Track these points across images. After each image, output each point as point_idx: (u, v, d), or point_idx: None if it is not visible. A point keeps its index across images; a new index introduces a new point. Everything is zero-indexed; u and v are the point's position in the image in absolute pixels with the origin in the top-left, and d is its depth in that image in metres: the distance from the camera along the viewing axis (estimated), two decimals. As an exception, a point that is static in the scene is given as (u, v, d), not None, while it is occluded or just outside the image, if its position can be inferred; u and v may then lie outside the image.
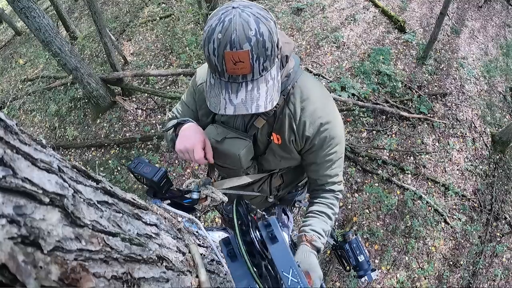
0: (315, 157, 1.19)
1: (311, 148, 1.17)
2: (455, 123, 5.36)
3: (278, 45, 0.94)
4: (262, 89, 0.93)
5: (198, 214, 4.18)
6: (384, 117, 5.21)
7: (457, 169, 4.97)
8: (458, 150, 5.12)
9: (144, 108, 5.59)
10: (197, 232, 1.01)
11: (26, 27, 4.74)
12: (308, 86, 1.13)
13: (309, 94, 1.11)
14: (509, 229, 4.66)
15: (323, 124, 1.11)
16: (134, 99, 5.76)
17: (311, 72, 5.63)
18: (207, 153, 1.10)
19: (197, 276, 0.74)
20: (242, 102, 0.92)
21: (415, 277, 4.06)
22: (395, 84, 5.50)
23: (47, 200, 0.35)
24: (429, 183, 4.75)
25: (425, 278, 4.06)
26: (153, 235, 0.62)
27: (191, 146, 1.06)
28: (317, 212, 1.24)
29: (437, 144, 5.11)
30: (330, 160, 1.19)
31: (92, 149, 5.33)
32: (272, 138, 1.17)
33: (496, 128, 5.50)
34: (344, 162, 1.29)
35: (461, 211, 4.62)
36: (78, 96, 6.06)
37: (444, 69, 5.98)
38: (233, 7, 0.88)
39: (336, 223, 4.27)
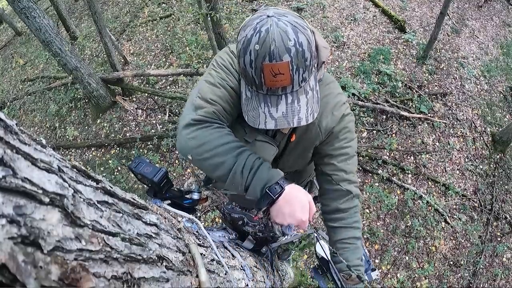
0: (331, 148, 1.13)
1: (329, 137, 1.12)
2: (455, 123, 5.36)
3: (316, 54, 0.91)
4: (302, 100, 0.90)
5: (199, 214, 4.18)
6: (384, 116, 5.21)
7: (458, 169, 4.96)
8: (459, 150, 5.12)
9: (144, 108, 5.60)
10: (197, 232, 1.01)
11: (27, 27, 4.74)
12: (327, 81, 1.12)
13: (330, 89, 1.10)
14: (509, 228, 4.66)
15: (345, 116, 1.10)
16: (134, 99, 5.76)
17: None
18: (310, 216, 0.97)
19: (197, 276, 0.74)
20: (283, 116, 0.88)
21: (415, 277, 4.06)
22: (395, 83, 5.50)
23: (47, 200, 0.35)
24: (430, 183, 4.75)
25: (426, 278, 4.06)
26: (153, 235, 0.62)
27: (306, 221, 0.94)
28: (345, 241, 1.14)
29: (437, 143, 5.11)
30: (346, 153, 1.13)
31: (93, 149, 5.34)
32: (291, 139, 1.14)
33: (497, 128, 5.50)
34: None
35: (462, 211, 4.62)
36: (79, 96, 6.06)
37: (444, 68, 5.98)
38: (268, 16, 0.83)
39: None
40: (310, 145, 1.14)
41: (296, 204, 0.92)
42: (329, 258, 1.07)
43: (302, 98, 0.90)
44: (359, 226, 1.18)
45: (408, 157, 4.94)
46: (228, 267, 1.03)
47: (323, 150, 1.15)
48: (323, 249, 1.10)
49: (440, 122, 5.25)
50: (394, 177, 4.66)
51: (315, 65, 0.93)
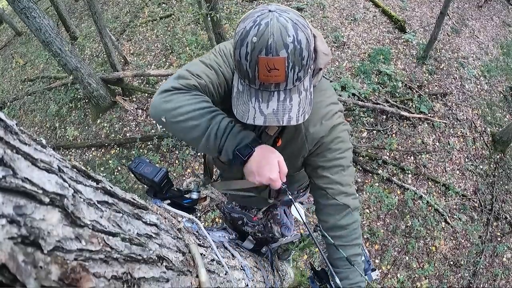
0: (323, 159, 1.07)
1: (319, 148, 1.07)
2: (455, 123, 5.36)
3: (314, 55, 0.90)
4: (295, 100, 0.88)
5: (199, 214, 4.19)
6: (384, 117, 5.21)
7: (458, 169, 4.96)
8: (459, 150, 5.12)
9: (145, 108, 5.59)
10: (197, 232, 1.01)
11: (27, 27, 4.74)
12: (321, 87, 1.08)
13: (323, 96, 1.07)
14: (509, 228, 4.66)
15: (336, 126, 1.05)
16: (135, 99, 5.76)
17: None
18: (281, 175, 0.97)
19: (197, 276, 0.74)
20: (273, 113, 0.87)
21: (415, 277, 4.06)
22: (395, 83, 5.50)
23: (47, 200, 0.35)
24: (430, 183, 4.75)
25: (426, 278, 4.06)
26: (153, 235, 0.62)
27: (276, 179, 0.94)
28: (347, 260, 1.08)
29: (437, 143, 5.11)
30: (340, 165, 1.06)
31: (93, 149, 5.34)
32: (277, 143, 1.11)
33: (497, 128, 5.50)
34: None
35: (462, 211, 4.62)
36: (79, 96, 6.06)
37: (445, 68, 5.98)
38: (270, 11, 0.83)
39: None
40: (296, 153, 1.10)
41: (263, 163, 0.93)
42: (305, 222, 1.03)
43: (295, 97, 0.88)
44: (359, 242, 1.14)
45: (408, 157, 4.94)
46: (228, 267, 1.03)
47: (314, 162, 1.09)
48: (298, 212, 1.09)
49: (440, 122, 5.25)
50: (394, 177, 4.66)
51: (312, 67, 0.92)
